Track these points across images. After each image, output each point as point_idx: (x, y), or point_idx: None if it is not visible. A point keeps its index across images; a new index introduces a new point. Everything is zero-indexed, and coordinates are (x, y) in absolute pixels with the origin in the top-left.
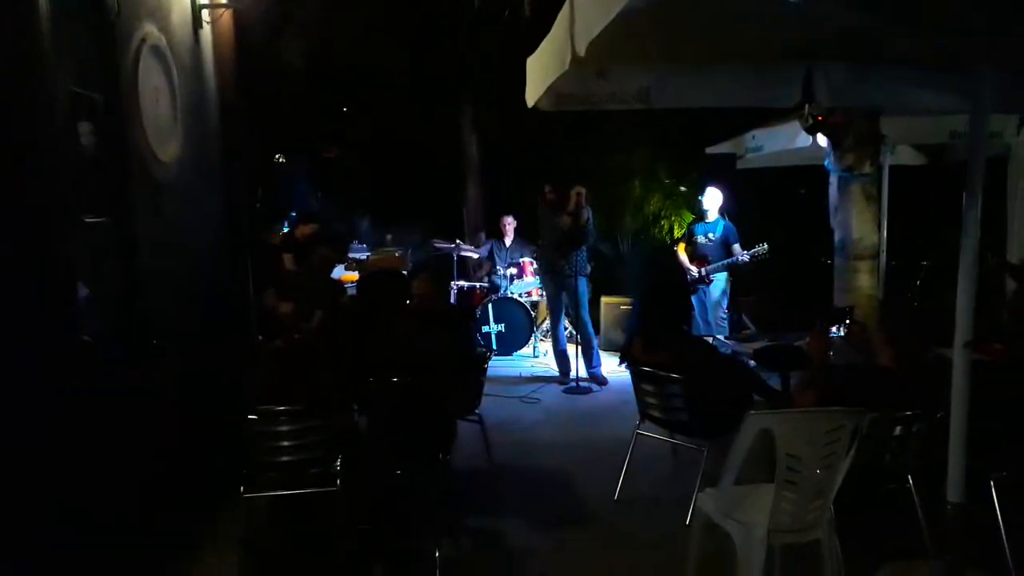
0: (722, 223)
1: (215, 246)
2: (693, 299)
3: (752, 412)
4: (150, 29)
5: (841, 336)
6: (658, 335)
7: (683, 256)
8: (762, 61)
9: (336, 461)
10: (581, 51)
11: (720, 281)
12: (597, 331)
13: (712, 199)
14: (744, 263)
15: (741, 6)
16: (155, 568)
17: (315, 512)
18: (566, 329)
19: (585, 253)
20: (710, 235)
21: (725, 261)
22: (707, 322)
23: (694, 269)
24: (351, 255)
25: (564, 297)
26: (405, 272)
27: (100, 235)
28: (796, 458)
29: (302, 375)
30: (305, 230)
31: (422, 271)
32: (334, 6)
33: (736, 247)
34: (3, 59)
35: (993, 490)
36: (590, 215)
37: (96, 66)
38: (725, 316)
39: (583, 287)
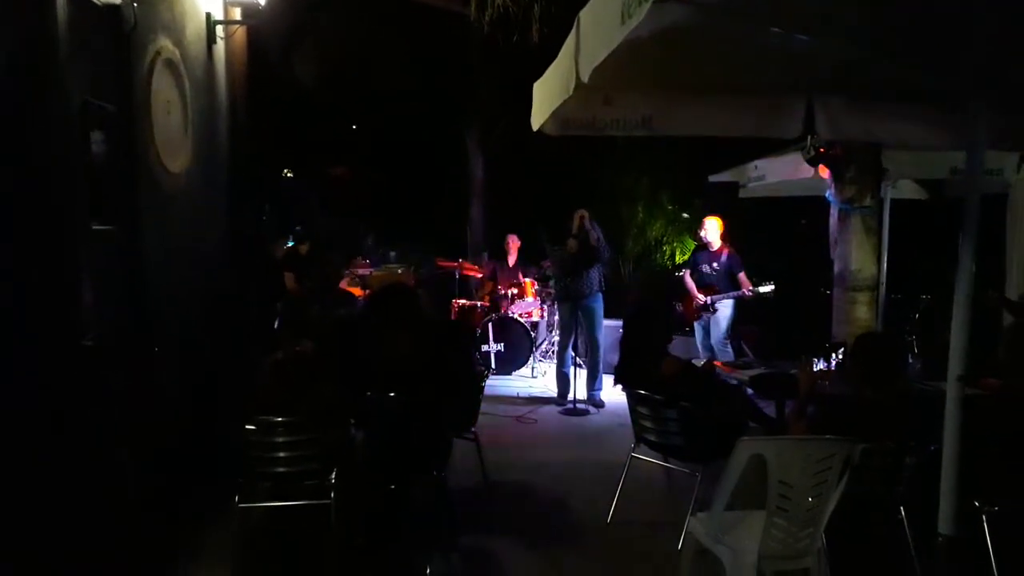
0: (727, 252)
1: (220, 257)
2: (698, 326)
3: (744, 438)
4: (165, 43)
5: (832, 369)
6: (641, 355)
7: (690, 283)
8: (764, 92)
9: (331, 474)
10: (585, 78)
11: (725, 309)
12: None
13: (712, 228)
14: (748, 297)
15: (744, 39)
16: None
17: (309, 524)
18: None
19: (599, 271)
20: (715, 264)
21: (731, 294)
22: (710, 349)
23: (701, 297)
24: (356, 271)
25: (579, 318)
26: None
27: (107, 241)
28: (788, 485)
29: (300, 388)
30: (304, 247)
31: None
32: (346, 27)
33: (742, 276)
34: (20, 68)
35: (985, 524)
36: (600, 234)
37: (110, 77)
38: (727, 343)
39: (597, 306)
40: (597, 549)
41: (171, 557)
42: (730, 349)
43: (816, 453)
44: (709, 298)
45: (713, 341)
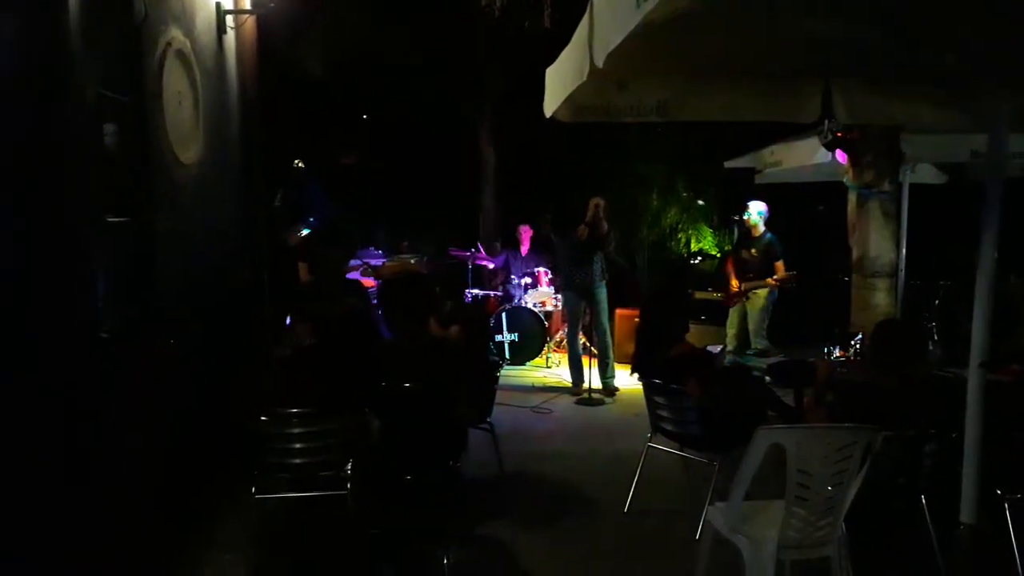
0: (767, 238)
1: (233, 247)
2: (733, 313)
3: (763, 427)
4: (176, 34)
5: (851, 358)
6: (657, 344)
7: (729, 269)
8: (781, 77)
9: (347, 465)
10: (600, 63)
11: (761, 300)
12: (612, 342)
13: (754, 211)
14: (774, 286)
15: (760, 23)
16: (164, 568)
17: (325, 515)
18: (582, 340)
19: (602, 260)
20: (753, 250)
21: (759, 283)
22: (743, 339)
23: (735, 284)
24: (368, 261)
25: (583, 307)
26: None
27: (121, 233)
28: (807, 474)
29: (311, 381)
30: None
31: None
32: (355, 15)
33: (778, 264)
34: (34, 61)
35: (1007, 512)
36: (608, 227)
37: (122, 69)
38: (763, 335)
39: (602, 293)
40: (614, 539)
41: (187, 548)
42: (765, 341)
43: (836, 442)
44: (742, 285)
45: (750, 331)
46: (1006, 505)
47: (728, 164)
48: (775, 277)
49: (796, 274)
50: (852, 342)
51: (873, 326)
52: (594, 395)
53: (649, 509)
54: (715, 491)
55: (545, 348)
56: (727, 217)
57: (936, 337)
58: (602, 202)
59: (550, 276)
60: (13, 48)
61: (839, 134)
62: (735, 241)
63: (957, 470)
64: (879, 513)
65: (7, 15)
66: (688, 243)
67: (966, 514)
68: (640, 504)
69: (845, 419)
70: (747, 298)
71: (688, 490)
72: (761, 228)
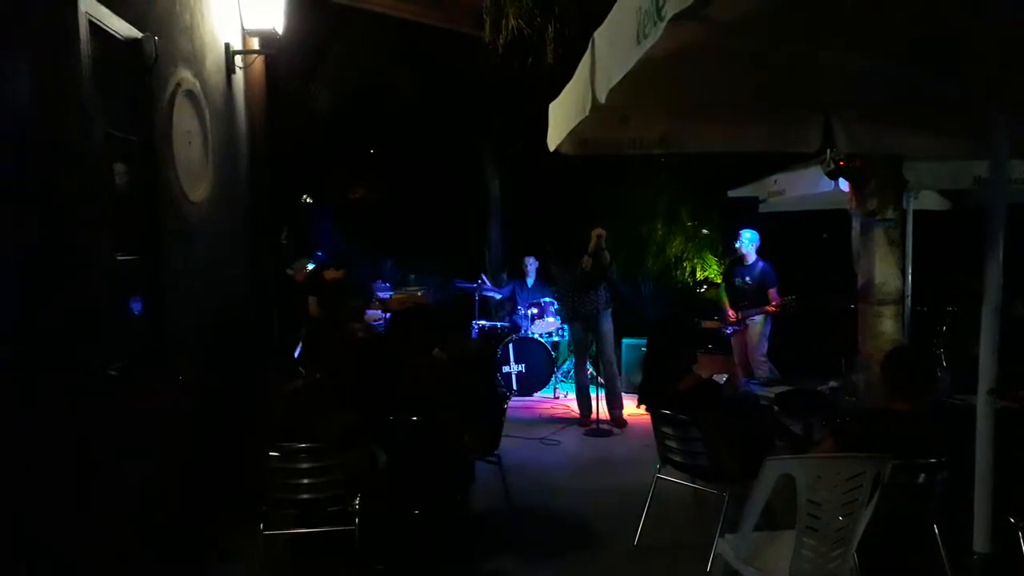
0: (760, 267)
1: (241, 283)
2: (734, 342)
3: (772, 457)
4: (185, 74)
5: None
6: (663, 375)
7: (725, 300)
8: (782, 107)
9: (355, 500)
10: (602, 99)
11: (757, 325)
12: (620, 372)
13: (747, 240)
14: (772, 313)
15: (760, 54)
16: None
17: (333, 551)
18: (589, 371)
19: (606, 290)
20: (747, 279)
21: (755, 310)
22: (746, 365)
23: (731, 313)
24: (376, 293)
25: (590, 337)
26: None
27: (131, 271)
28: (817, 504)
29: (319, 415)
30: (333, 275)
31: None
32: (361, 52)
33: (772, 292)
34: (44, 102)
35: (1021, 540)
36: (610, 256)
37: (133, 109)
38: (764, 359)
39: (608, 323)
40: (624, 573)
41: None
42: (767, 366)
43: (846, 471)
44: (740, 313)
45: (750, 358)
46: (1020, 533)
47: (732, 194)
48: (774, 304)
49: (794, 299)
50: (853, 377)
51: (884, 355)
52: (602, 426)
53: (659, 542)
54: (725, 522)
55: (552, 379)
56: (731, 245)
57: (944, 364)
58: (603, 232)
59: (556, 307)
60: (24, 90)
61: (841, 163)
62: (725, 270)
63: (969, 498)
64: (891, 543)
65: (18, 58)
66: (693, 272)
67: (979, 542)
68: (650, 537)
69: (855, 448)
70: (744, 326)
71: (698, 522)
72: (752, 256)
